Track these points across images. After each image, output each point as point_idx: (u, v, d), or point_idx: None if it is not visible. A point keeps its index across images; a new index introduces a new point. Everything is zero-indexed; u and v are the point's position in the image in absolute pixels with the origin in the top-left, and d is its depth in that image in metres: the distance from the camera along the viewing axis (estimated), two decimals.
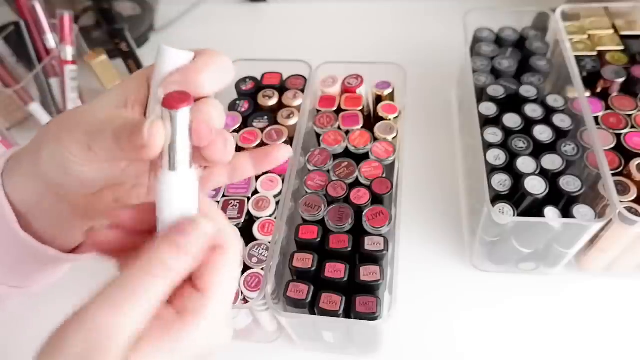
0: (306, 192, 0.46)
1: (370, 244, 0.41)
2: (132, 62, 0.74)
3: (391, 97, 0.53)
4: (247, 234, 0.46)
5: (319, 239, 0.42)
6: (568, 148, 0.46)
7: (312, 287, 0.40)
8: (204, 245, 0.22)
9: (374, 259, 0.41)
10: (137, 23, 0.83)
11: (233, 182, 0.28)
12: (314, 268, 0.40)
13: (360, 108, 0.52)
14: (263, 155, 0.28)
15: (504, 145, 0.47)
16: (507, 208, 0.44)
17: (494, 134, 0.48)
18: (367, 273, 0.40)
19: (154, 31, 0.86)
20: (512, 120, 0.49)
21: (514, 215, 0.44)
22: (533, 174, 0.44)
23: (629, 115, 0.48)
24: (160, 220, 0.22)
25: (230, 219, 0.46)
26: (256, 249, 0.44)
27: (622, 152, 0.45)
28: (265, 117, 0.53)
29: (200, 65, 0.23)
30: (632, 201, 0.43)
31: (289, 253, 0.42)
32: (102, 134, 0.22)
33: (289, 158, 0.29)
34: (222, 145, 0.23)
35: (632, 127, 0.47)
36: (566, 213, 0.42)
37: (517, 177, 0.44)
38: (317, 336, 0.44)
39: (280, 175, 0.49)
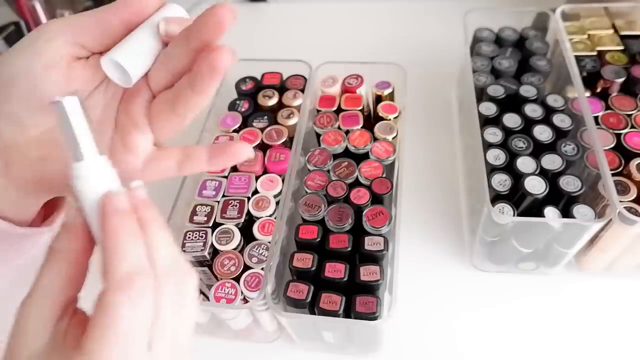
0: (306, 192, 0.46)
1: (370, 244, 0.41)
2: None
3: (391, 97, 0.53)
4: (247, 234, 0.46)
5: (319, 239, 0.42)
6: (568, 148, 0.46)
7: (312, 287, 0.40)
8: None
9: (374, 259, 0.41)
10: None
11: (183, 173, 0.27)
12: (314, 268, 0.40)
13: (360, 108, 0.52)
14: (220, 149, 0.27)
15: (504, 145, 0.47)
16: (507, 208, 0.44)
17: (494, 134, 0.48)
18: (367, 273, 0.40)
19: None
20: (512, 120, 0.49)
21: (514, 215, 0.44)
22: (533, 174, 0.44)
23: (629, 115, 0.48)
24: (84, 214, 0.22)
25: (230, 218, 0.46)
26: (256, 249, 0.44)
27: (622, 152, 0.45)
28: (265, 117, 0.53)
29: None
30: (632, 201, 0.43)
31: (289, 253, 0.42)
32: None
33: (249, 157, 0.27)
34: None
35: (632, 127, 0.47)
36: (566, 213, 0.42)
37: (517, 177, 0.44)
38: (317, 336, 0.44)
39: (280, 175, 0.49)
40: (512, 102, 0.51)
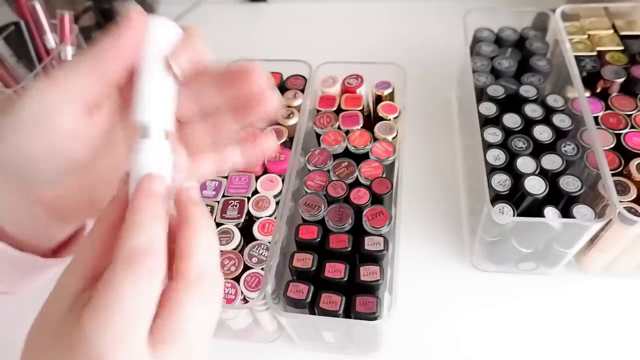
0: (306, 192, 0.46)
1: (370, 244, 0.41)
2: None
3: (391, 97, 0.53)
4: (247, 234, 0.46)
5: (319, 239, 0.42)
6: (568, 148, 0.46)
7: (312, 287, 0.40)
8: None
9: (374, 259, 0.41)
10: None
11: (221, 175, 0.28)
12: (314, 268, 0.40)
13: (360, 108, 0.52)
14: (251, 147, 0.27)
15: (504, 145, 0.47)
16: (507, 208, 0.44)
17: (493, 134, 0.48)
18: (367, 273, 0.40)
19: None
20: (512, 120, 0.49)
21: (513, 215, 0.44)
22: (533, 174, 0.44)
23: (629, 115, 0.48)
24: (131, 189, 0.22)
25: (230, 219, 0.46)
26: (256, 249, 0.44)
27: (622, 152, 0.45)
28: None
29: (199, 35, 0.24)
30: (632, 201, 0.43)
31: (289, 253, 0.42)
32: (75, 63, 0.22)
33: (288, 158, 0.29)
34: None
35: (632, 127, 0.47)
36: (566, 213, 0.42)
37: (517, 177, 0.44)
38: (317, 336, 0.44)
39: (280, 175, 0.49)
40: (512, 102, 0.51)
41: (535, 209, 0.44)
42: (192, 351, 0.21)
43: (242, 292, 0.42)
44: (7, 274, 0.28)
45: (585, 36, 0.56)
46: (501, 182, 0.45)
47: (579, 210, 0.42)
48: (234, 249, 0.44)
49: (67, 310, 0.20)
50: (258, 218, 0.47)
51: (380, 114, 0.51)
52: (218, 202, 0.48)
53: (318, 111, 0.53)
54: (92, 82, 0.22)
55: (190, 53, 0.23)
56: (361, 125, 0.50)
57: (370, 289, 0.40)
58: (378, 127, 0.49)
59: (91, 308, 0.19)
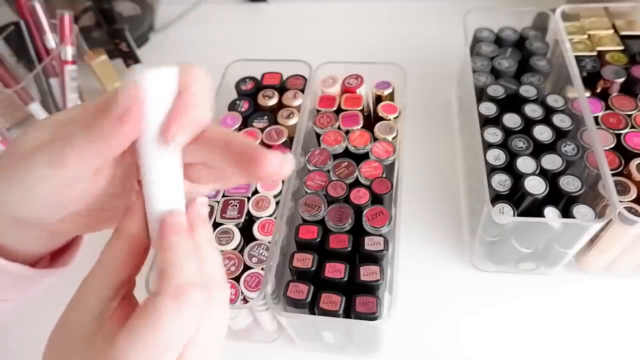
0: (306, 192, 0.46)
1: (370, 244, 0.41)
2: (132, 62, 0.74)
3: (391, 97, 0.53)
4: (247, 234, 0.46)
5: (319, 239, 0.42)
6: (568, 148, 0.46)
7: (312, 287, 0.40)
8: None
9: (374, 259, 0.41)
10: (137, 23, 0.83)
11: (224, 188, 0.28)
12: (314, 268, 0.40)
13: (360, 108, 0.52)
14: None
15: (504, 145, 0.47)
16: (507, 208, 0.44)
17: (494, 134, 0.48)
18: (367, 273, 0.40)
19: (154, 31, 0.86)
20: (512, 120, 0.49)
21: (514, 215, 0.44)
22: (533, 174, 0.44)
23: (629, 115, 0.48)
24: (146, 194, 0.22)
25: (230, 219, 0.46)
26: (256, 249, 0.44)
27: (622, 152, 0.45)
28: (265, 117, 0.53)
29: (197, 97, 0.22)
30: (632, 201, 0.43)
31: (289, 253, 0.42)
32: (69, 135, 0.21)
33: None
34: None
35: (632, 127, 0.47)
36: (566, 213, 0.42)
37: (517, 177, 0.44)
38: (317, 336, 0.44)
39: None
40: (512, 102, 0.51)
41: (535, 209, 0.44)
42: (207, 351, 0.22)
43: (242, 292, 0.42)
44: (3, 285, 0.28)
45: (585, 36, 0.56)
46: (501, 182, 0.45)
47: (579, 210, 0.42)
48: (234, 249, 0.44)
49: (94, 320, 0.21)
50: (258, 218, 0.47)
51: (380, 114, 0.51)
52: (218, 202, 0.48)
53: (318, 111, 0.53)
54: (98, 161, 0.22)
55: (186, 124, 0.22)
56: (361, 125, 0.50)
57: (370, 289, 0.40)
58: (378, 127, 0.49)
59: (130, 332, 0.20)
